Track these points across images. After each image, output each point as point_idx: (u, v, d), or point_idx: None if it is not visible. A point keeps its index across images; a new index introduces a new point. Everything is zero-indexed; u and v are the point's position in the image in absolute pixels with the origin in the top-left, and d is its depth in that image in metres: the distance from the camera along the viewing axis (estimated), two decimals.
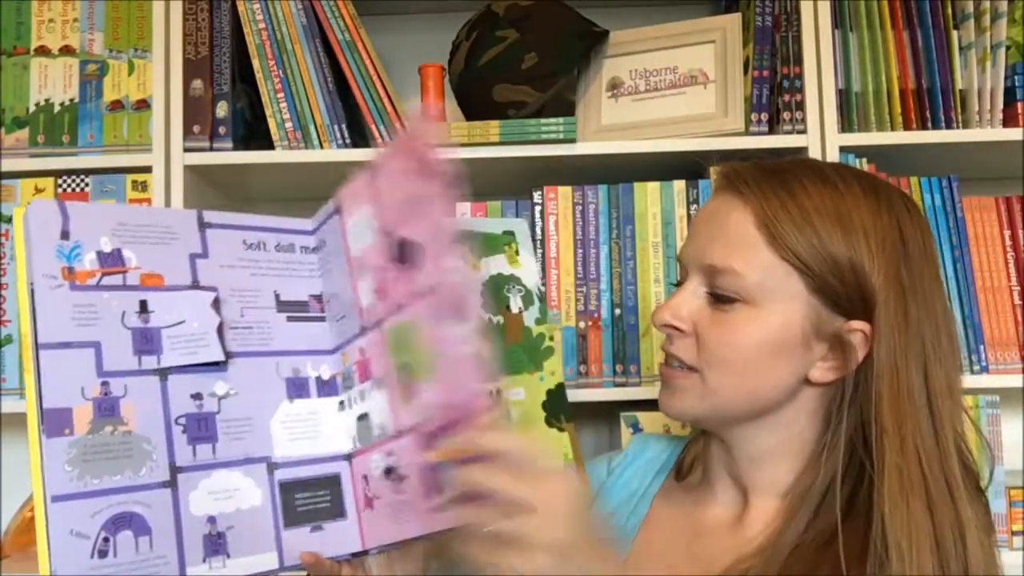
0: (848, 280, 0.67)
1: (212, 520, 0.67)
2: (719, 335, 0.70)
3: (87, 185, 1.25)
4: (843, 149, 1.22)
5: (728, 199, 0.71)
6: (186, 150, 1.24)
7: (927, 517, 0.64)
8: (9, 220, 1.25)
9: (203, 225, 0.73)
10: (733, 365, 0.69)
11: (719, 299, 0.70)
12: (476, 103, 1.31)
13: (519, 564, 0.56)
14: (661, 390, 0.75)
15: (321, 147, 1.25)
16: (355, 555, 0.76)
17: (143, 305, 0.68)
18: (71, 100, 1.27)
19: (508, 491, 0.56)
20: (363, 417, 0.73)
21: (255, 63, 1.25)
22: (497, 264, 0.83)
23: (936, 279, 0.70)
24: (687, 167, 1.27)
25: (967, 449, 0.68)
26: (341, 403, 0.75)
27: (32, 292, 0.63)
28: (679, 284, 0.74)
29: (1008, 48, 1.25)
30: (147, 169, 1.24)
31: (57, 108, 1.27)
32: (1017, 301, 1.25)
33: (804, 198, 0.68)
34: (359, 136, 1.29)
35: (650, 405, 1.24)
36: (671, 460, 0.85)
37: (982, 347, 1.23)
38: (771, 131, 1.26)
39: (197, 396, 0.68)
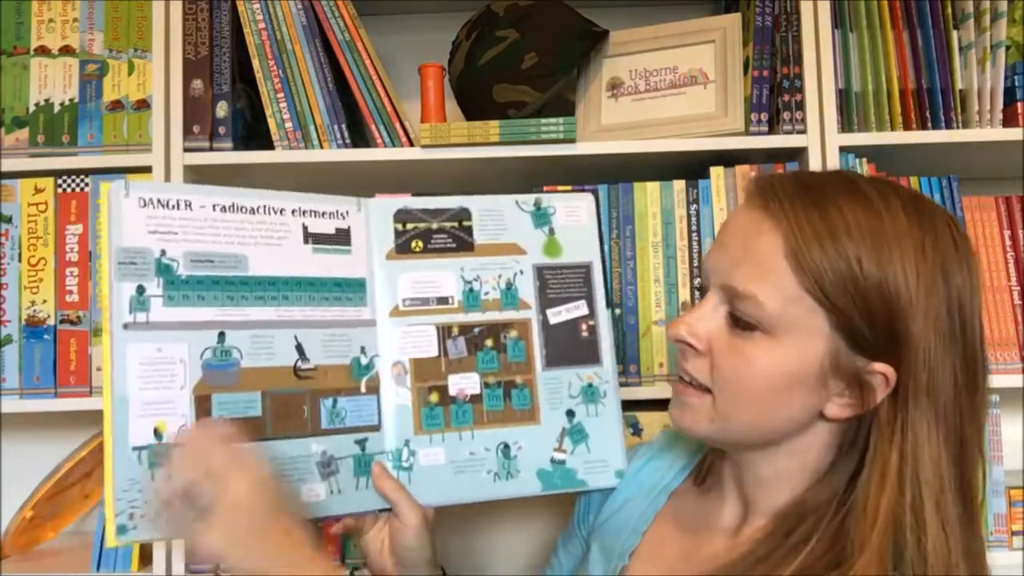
0: (878, 322, 0.63)
1: None
2: (734, 363, 0.68)
3: (87, 185, 1.25)
4: (843, 149, 1.22)
5: (759, 216, 0.67)
6: (186, 150, 1.24)
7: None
8: (9, 220, 1.25)
9: None
10: (745, 395, 0.67)
11: (738, 323, 0.67)
12: (476, 103, 1.31)
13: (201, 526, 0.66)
14: (672, 403, 0.74)
15: (321, 147, 1.24)
16: (381, 511, 0.82)
17: None
18: (71, 100, 1.27)
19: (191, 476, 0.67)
20: None
21: (255, 63, 1.25)
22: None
23: (977, 315, 0.66)
24: (687, 167, 1.27)
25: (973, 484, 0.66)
26: None
27: None
28: (702, 290, 0.73)
29: (1008, 48, 1.25)
30: (147, 169, 1.24)
31: (57, 108, 1.27)
32: (1017, 301, 1.25)
33: (840, 225, 0.63)
34: (359, 136, 1.29)
35: (650, 405, 1.24)
36: (694, 460, 0.84)
37: None
38: (771, 131, 1.26)
39: None
